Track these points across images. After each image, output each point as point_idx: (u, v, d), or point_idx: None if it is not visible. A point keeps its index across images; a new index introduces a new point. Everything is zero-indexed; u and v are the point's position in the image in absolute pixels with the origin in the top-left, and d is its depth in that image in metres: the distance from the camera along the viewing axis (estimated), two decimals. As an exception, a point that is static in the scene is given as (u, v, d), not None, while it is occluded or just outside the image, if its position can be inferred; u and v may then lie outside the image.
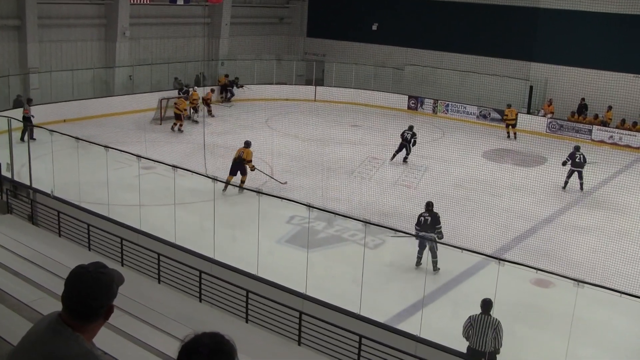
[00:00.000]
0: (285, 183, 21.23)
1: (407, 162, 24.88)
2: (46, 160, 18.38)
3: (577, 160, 22.33)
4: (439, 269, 15.20)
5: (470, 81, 34.43)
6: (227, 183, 19.94)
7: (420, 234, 15.34)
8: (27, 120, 23.98)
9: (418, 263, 15.47)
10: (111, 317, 2.93)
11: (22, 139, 22.70)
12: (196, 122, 29.46)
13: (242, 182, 20.23)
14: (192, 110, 30.40)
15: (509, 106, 30.51)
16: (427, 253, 15.18)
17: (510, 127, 30.35)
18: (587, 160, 22.42)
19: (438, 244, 15.11)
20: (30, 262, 12.80)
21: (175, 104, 29.03)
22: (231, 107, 34.10)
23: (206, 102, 31.23)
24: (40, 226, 16.51)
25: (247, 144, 20.98)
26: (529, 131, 30.41)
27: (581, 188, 22.40)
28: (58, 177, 17.80)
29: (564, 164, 22.47)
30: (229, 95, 35.30)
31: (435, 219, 15.43)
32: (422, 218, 15.43)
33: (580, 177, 22.37)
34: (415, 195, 21.14)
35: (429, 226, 15.33)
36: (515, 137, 30.21)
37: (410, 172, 23.86)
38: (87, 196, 17.83)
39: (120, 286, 2.93)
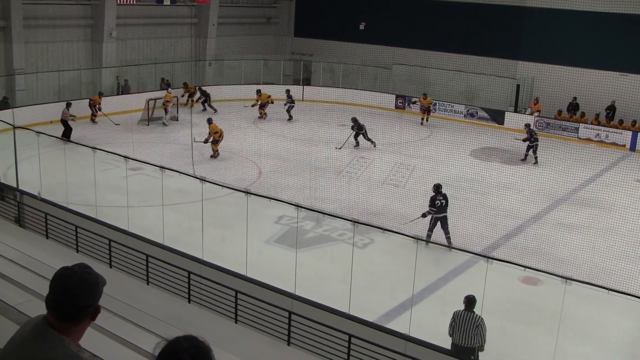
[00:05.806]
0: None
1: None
2: (33, 162, 18.26)
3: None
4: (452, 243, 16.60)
5: (458, 80, 34.52)
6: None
7: (435, 215, 16.90)
8: (64, 123, 25.79)
9: (428, 240, 16.38)
10: (99, 318, 2.91)
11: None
12: (165, 124, 29.55)
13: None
14: (164, 112, 30.20)
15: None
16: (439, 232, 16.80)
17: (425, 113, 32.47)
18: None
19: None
20: (18, 264, 12.70)
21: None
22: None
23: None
24: (27, 228, 16.38)
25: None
26: (517, 129, 30.50)
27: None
28: (45, 179, 17.69)
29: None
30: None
31: (446, 200, 17.04)
32: (439, 202, 16.91)
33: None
34: (403, 194, 21.18)
35: (443, 208, 16.95)
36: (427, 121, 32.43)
37: (398, 172, 23.88)
38: (74, 198, 17.73)
39: (104, 286, 2.91)
